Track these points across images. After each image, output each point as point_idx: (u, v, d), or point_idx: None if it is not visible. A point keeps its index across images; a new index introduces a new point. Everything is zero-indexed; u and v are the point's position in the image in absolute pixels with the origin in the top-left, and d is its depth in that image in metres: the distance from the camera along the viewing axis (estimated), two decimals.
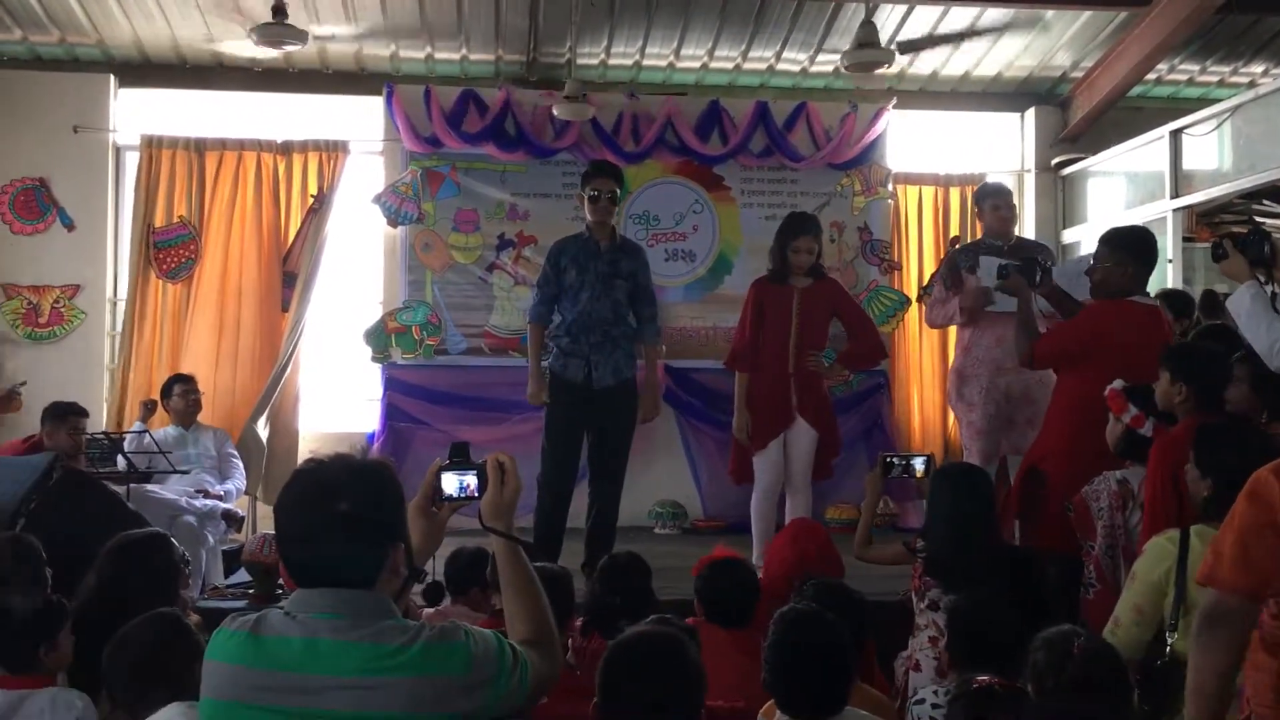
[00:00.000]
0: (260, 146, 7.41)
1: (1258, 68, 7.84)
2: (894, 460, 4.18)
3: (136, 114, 7.58)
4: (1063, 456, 4.20)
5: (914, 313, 7.72)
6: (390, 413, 7.32)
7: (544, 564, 3.43)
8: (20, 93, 7.29)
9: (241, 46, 7.02)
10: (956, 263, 5.78)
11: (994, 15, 7.19)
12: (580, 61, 7.56)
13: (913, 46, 7.47)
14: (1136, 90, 7.83)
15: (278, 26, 5.73)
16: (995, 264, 5.06)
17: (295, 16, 6.46)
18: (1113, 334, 4.21)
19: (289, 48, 6.01)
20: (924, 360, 7.83)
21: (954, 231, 7.88)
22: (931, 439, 7.69)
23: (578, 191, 5.54)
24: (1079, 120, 7.93)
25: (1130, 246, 4.38)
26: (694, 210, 7.69)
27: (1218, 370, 3.66)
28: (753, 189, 7.73)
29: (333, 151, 7.44)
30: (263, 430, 7.10)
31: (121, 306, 7.40)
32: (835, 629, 2.64)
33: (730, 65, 7.79)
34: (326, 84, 7.72)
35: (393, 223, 7.43)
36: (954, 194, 7.97)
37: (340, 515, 1.84)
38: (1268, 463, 2.21)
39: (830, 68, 7.70)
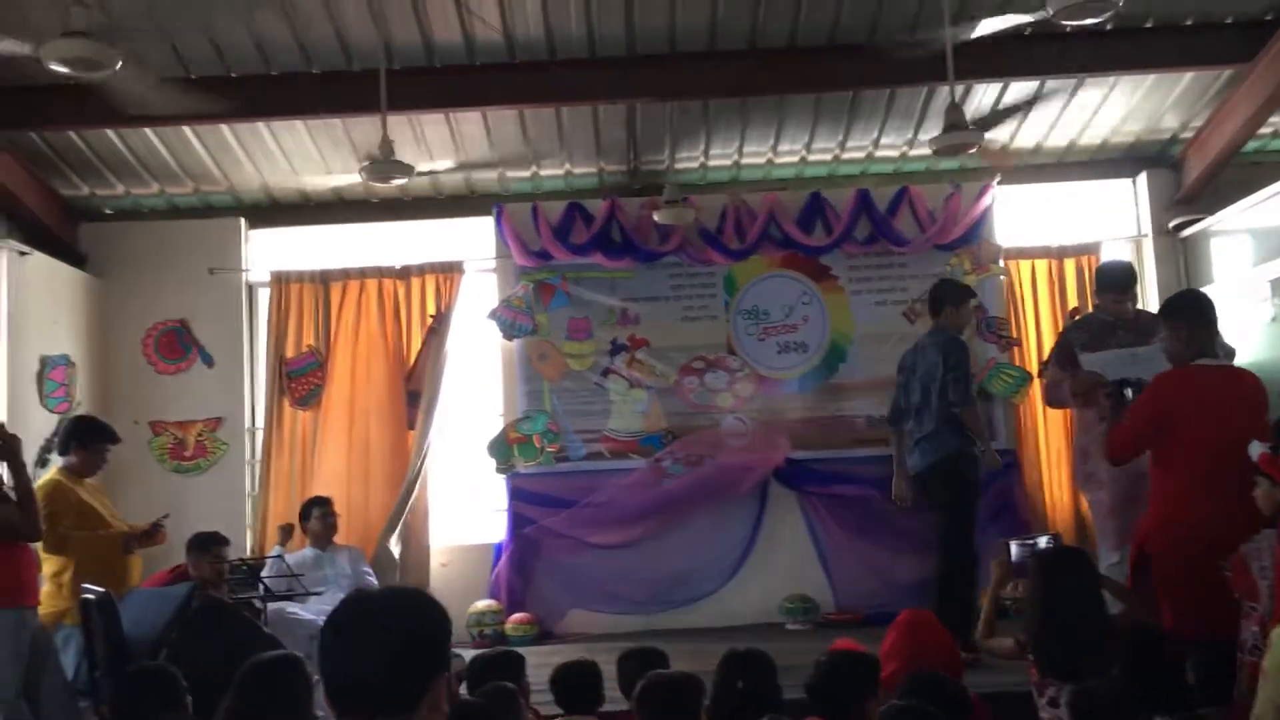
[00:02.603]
0: (381, 273, 7.76)
1: None
2: (1013, 544, 4.09)
3: (266, 252, 8.04)
4: (1163, 532, 4.12)
5: (1038, 388, 7.52)
6: (516, 521, 7.45)
7: (677, 670, 3.48)
8: (160, 241, 7.81)
9: (359, 182, 7.41)
10: (1070, 342, 5.68)
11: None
12: (679, 165, 7.74)
13: (995, 117, 7.47)
14: (1252, 145, 7.63)
15: (385, 164, 6.04)
16: (1102, 358, 5.21)
17: (408, 152, 6.77)
18: (1183, 399, 4.18)
19: (397, 182, 6.33)
20: (1051, 437, 7.62)
21: (1072, 303, 7.70)
22: (1063, 518, 7.44)
23: (953, 306, 5.99)
24: (1194, 181, 7.74)
25: (1181, 312, 4.41)
26: (803, 302, 7.71)
27: None
28: (860, 276, 7.73)
29: (449, 273, 7.74)
30: (395, 547, 7.30)
31: (259, 435, 7.75)
32: None
33: (829, 156, 7.86)
34: (440, 209, 8.07)
35: (508, 336, 7.64)
36: (1069, 265, 7.83)
37: (379, 642, 1.80)
38: None
39: (930, 150, 7.69)
